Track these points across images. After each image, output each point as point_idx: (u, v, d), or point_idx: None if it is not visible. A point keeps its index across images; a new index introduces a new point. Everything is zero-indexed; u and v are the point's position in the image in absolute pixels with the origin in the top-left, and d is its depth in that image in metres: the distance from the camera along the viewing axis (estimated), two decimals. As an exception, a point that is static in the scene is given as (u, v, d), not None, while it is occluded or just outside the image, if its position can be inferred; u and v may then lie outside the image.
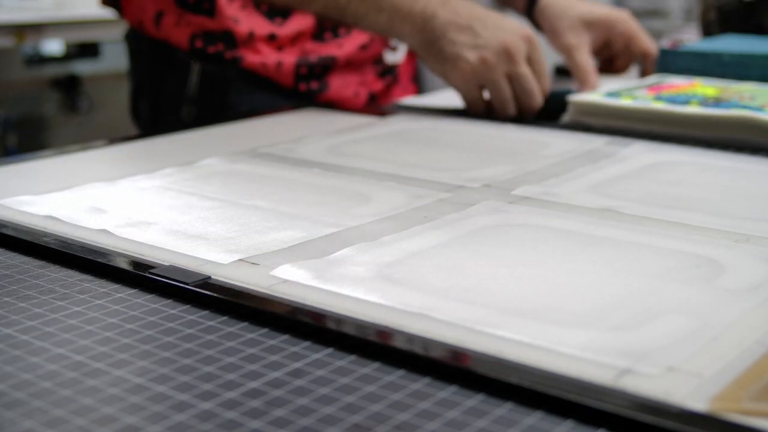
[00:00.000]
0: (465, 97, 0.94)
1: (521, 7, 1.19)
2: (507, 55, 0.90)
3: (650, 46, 1.14)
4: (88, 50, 3.23)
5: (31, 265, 0.52)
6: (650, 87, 0.98)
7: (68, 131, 3.26)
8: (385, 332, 0.41)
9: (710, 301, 0.44)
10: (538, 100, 0.92)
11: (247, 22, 1.03)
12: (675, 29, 1.24)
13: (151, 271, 0.49)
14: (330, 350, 0.41)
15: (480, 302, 0.44)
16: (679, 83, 1.00)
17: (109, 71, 3.23)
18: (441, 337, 0.40)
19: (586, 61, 1.06)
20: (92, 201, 0.61)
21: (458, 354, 0.39)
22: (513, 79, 0.91)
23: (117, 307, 0.46)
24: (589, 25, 1.10)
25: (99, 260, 0.51)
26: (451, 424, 0.34)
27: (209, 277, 0.48)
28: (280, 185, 0.66)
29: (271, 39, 1.04)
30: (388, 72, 1.15)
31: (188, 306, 0.46)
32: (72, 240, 0.54)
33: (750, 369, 0.37)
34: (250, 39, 1.03)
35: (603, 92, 0.93)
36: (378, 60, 1.14)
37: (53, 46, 3.17)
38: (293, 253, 0.51)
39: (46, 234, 0.55)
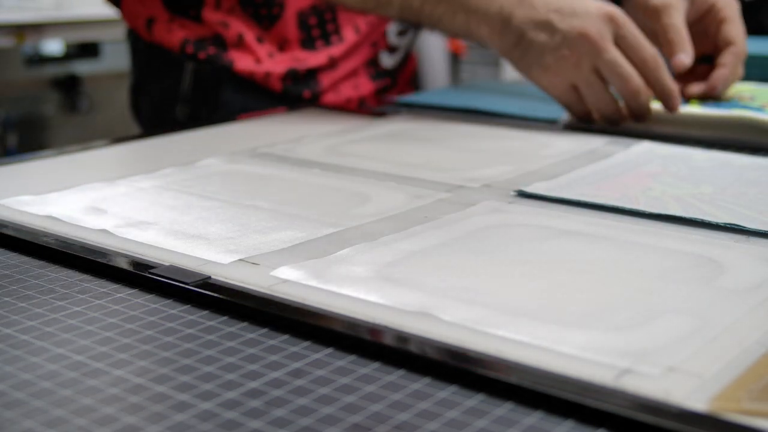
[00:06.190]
0: (561, 103, 0.86)
1: None
2: (587, 44, 0.80)
3: (737, 35, 0.92)
4: (88, 50, 3.23)
5: (31, 265, 0.52)
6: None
7: (68, 131, 3.26)
8: (385, 332, 0.41)
9: (710, 301, 0.44)
10: (636, 83, 0.81)
11: (236, 26, 1.02)
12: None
13: (151, 271, 0.49)
14: (330, 350, 0.41)
15: (480, 302, 0.44)
16: (679, 83, 1.00)
17: (109, 71, 3.23)
18: (441, 337, 0.40)
19: (680, 25, 0.89)
20: (92, 201, 0.61)
21: (458, 354, 0.39)
22: (603, 70, 0.81)
23: (117, 307, 0.46)
24: None
25: (99, 260, 0.51)
26: (451, 424, 0.34)
27: (209, 277, 0.48)
28: (280, 185, 0.66)
29: (260, 41, 1.03)
30: (382, 75, 1.12)
31: (188, 306, 0.46)
32: (72, 240, 0.54)
33: (750, 369, 0.37)
34: (240, 42, 1.02)
35: None
36: (371, 62, 1.11)
37: (53, 46, 3.17)
38: (293, 253, 0.51)
39: (46, 234, 0.55)
